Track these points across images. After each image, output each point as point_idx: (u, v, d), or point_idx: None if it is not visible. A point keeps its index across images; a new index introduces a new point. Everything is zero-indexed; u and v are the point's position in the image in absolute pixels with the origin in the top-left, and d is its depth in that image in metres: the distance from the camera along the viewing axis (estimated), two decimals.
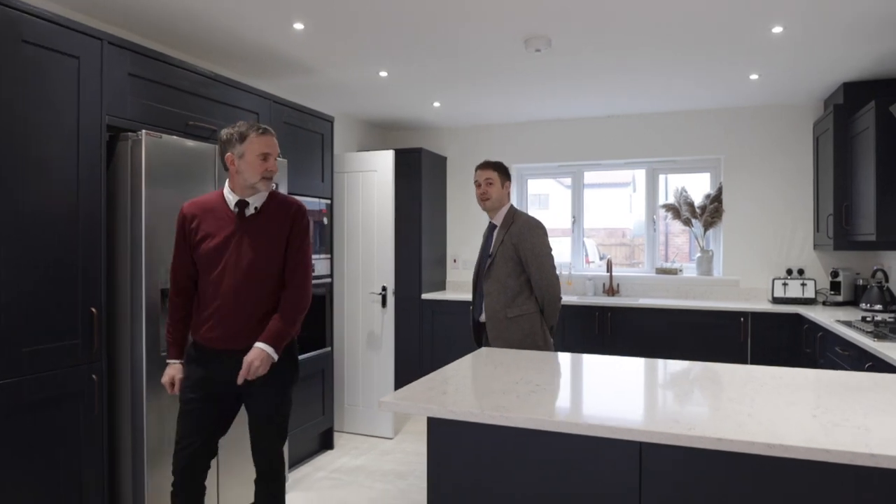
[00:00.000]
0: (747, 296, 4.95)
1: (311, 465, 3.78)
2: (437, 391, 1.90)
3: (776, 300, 4.64)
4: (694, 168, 5.31)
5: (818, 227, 4.64)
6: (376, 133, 5.89)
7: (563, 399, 1.82)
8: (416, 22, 3.10)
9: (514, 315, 2.92)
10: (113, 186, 2.52)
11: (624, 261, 5.85)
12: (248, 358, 2.13)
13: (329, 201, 4.01)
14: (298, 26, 3.15)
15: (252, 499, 2.91)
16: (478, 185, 3.05)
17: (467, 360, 2.40)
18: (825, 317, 3.75)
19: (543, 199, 6.67)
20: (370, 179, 4.32)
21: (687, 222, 5.19)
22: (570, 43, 3.41)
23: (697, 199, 5.17)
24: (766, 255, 4.95)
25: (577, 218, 5.59)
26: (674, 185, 5.38)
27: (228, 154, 2.19)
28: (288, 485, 3.45)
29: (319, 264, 3.87)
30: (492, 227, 3.10)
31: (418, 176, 5.28)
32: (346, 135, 5.32)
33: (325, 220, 3.96)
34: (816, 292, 4.62)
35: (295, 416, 3.65)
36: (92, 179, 2.40)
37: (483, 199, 3.03)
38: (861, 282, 4.43)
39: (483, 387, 1.96)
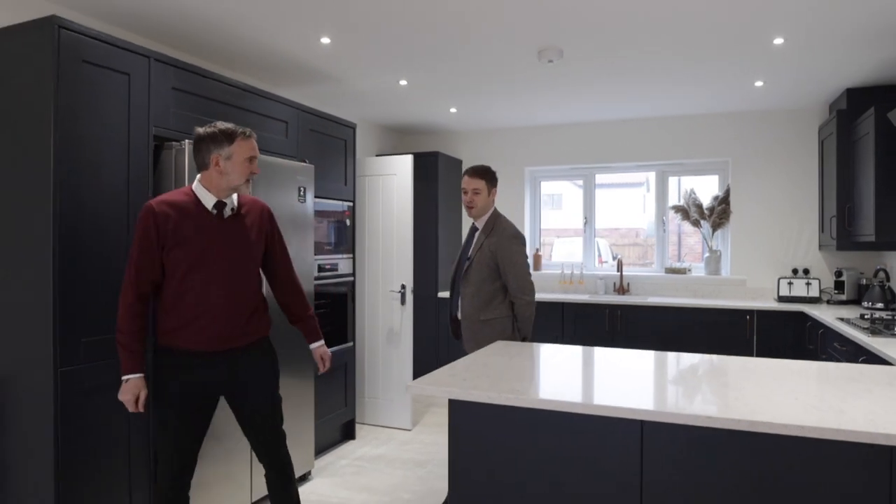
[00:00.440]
0: (754, 295, 5.10)
1: (334, 453, 3.99)
2: (458, 377, 2.10)
3: (782, 299, 4.79)
4: (702, 170, 5.47)
5: (823, 228, 4.78)
6: (394, 137, 6.10)
7: (574, 384, 2.01)
8: (436, 35, 3.30)
9: (487, 318, 3.00)
10: (159, 190, 2.74)
11: (637, 261, 6.00)
12: (325, 357, 2.51)
13: (351, 204, 4.22)
14: (325, 40, 3.36)
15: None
16: (465, 192, 3.10)
17: (483, 352, 2.60)
18: (827, 315, 3.91)
19: (557, 199, 6.83)
20: (390, 183, 4.53)
21: (696, 223, 5.35)
22: (581, 54, 3.60)
23: (706, 201, 5.33)
24: (772, 255, 5.09)
25: (588, 219, 5.77)
26: (683, 186, 5.54)
27: (214, 154, 2.17)
28: (314, 471, 3.66)
29: (342, 263, 4.09)
30: (474, 229, 3.16)
31: (435, 178, 5.48)
32: (366, 139, 5.53)
33: (348, 222, 4.17)
34: (821, 291, 4.77)
35: (319, 407, 3.87)
36: (140, 184, 2.62)
37: (468, 206, 3.09)
38: (864, 281, 4.57)
39: (499, 373, 2.15)
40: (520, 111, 5.14)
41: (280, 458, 2.35)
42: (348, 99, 4.70)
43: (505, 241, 3.00)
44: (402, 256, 4.48)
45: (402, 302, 4.49)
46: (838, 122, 4.31)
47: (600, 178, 5.79)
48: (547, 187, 6.11)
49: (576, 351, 2.62)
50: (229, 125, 2.21)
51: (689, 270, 5.34)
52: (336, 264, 4.02)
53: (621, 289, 5.39)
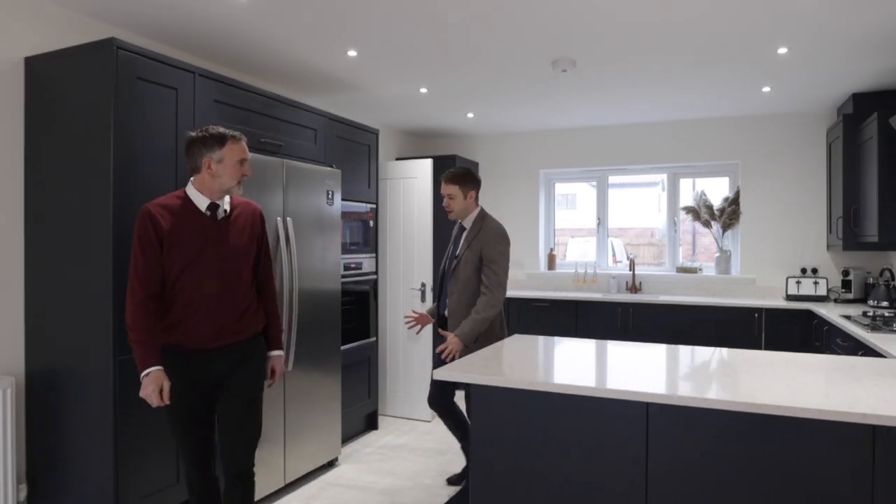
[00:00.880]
0: (763, 294, 5.25)
1: (359, 442, 4.22)
2: (478, 365, 2.31)
3: (790, 297, 4.94)
4: (713, 172, 5.63)
5: (831, 228, 4.92)
6: (413, 141, 6.32)
7: (586, 372, 2.21)
8: (455, 47, 3.50)
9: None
10: None
11: (652, 260, 6.14)
12: (277, 367, 2.47)
13: (374, 205, 4.44)
14: (352, 53, 3.58)
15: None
16: (442, 196, 3.21)
17: (500, 344, 2.80)
18: (832, 313, 4.06)
19: (571, 199, 7.00)
20: (411, 186, 4.75)
21: (706, 224, 5.51)
22: (594, 63, 3.79)
23: (716, 202, 5.49)
24: (781, 254, 5.24)
25: (601, 220, 5.95)
26: (695, 187, 5.70)
27: (206, 158, 2.23)
28: (340, 458, 3.89)
29: (366, 262, 4.31)
30: (461, 228, 3.26)
31: None
32: (387, 143, 5.76)
33: (371, 223, 4.40)
34: (829, 290, 4.91)
35: (344, 398, 4.09)
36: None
37: (447, 210, 3.20)
38: (871, 280, 4.71)
39: (517, 363, 2.35)
40: (534, 116, 5.33)
41: (244, 465, 2.30)
42: (370, 105, 4.92)
43: (491, 238, 3.09)
44: (421, 255, 4.70)
45: (422, 299, 4.70)
46: (844, 126, 4.45)
47: (616, 178, 5.97)
48: (561, 188, 6.30)
49: (588, 344, 2.81)
50: (220, 129, 2.27)
51: (701, 270, 5.50)
52: (360, 263, 4.24)
53: (633, 287, 5.56)
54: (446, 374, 2.21)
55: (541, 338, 2.98)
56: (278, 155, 3.43)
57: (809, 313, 4.54)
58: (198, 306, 2.23)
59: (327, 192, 3.64)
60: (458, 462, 3.83)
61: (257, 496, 3.13)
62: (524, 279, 6.09)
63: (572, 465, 2.07)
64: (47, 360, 2.70)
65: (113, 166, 2.52)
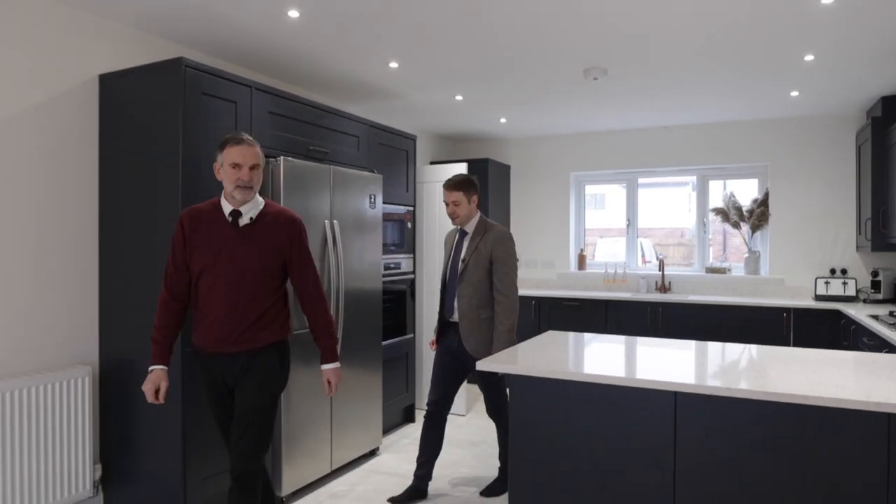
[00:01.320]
0: (792, 294, 5.33)
1: (397, 433, 4.43)
2: (517, 358, 2.49)
3: (819, 297, 5.02)
4: (742, 174, 5.71)
5: (860, 229, 4.98)
6: (447, 144, 6.53)
7: (617, 364, 2.37)
8: (491, 57, 3.69)
9: (486, 316, 3.14)
10: None
11: (681, 260, 6.23)
12: (332, 380, 2.44)
13: (412, 208, 4.65)
14: (394, 65, 3.79)
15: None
16: (446, 204, 3.22)
17: (534, 340, 2.98)
18: (861, 313, 4.14)
19: (600, 199, 7.10)
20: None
21: (735, 225, 5.60)
22: (625, 71, 3.94)
23: (745, 204, 5.57)
24: (810, 255, 5.31)
25: (631, 221, 6.07)
26: (725, 189, 5.79)
27: (216, 163, 2.29)
28: (381, 448, 4.10)
29: (404, 262, 4.52)
30: (462, 234, 3.27)
31: (485, 183, 5.87)
32: (421, 146, 5.97)
33: (409, 224, 4.61)
34: (858, 290, 4.98)
35: (383, 391, 4.30)
36: None
37: (453, 217, 3.22)
38: None
39: (552, 356, 2.53)
40: (565, 120, 5.49)
41: (241, 469, 2.25)
42: (407, 111, 5.13)
43: (500, 241, 3.15)
44: None
45: None
46: (873, 129, 4.52)
47: (645, 178, 6.09)
48: (590, 188, 6.44)
49: (619, 339, 2.98)
50: (231, 134, 2.30)
51: (730, 270, 5.59)
52: (399, 263, 4.45)
53: (663, 287, 5.68)
54: (488, 365, 2.40)
55: (573, 333, 3.15)
56: (325, 161, 3.66)
57: (838, 313, 4.62)
58: (209, 310, 2.27)
59: (370, 196, 3.85)
60: (491, 453, 4.01)
61: (307, 481, 3.35)
62: (555, 279, 6.24)
63: (604, 453, 2.24)
64: (119, 351, 2.95)
65: (181, 173, 2.76)
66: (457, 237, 3.30)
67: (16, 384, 2.61)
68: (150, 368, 2.28)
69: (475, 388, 5.76)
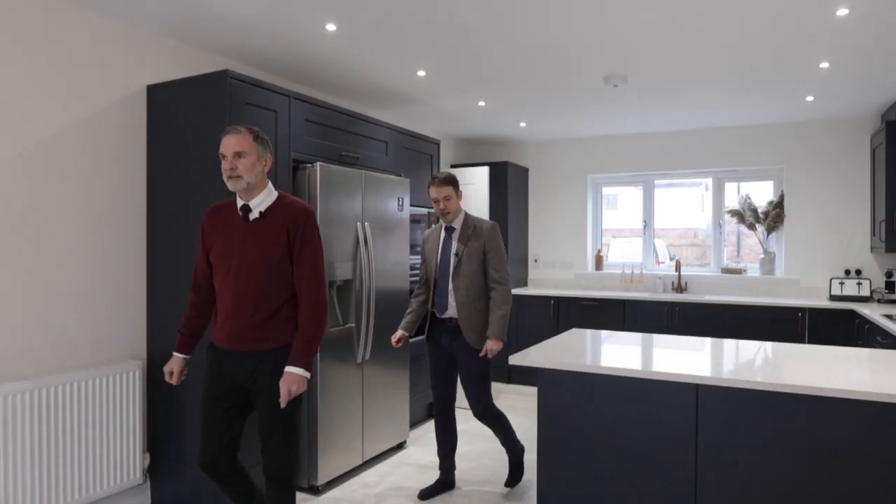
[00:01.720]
0: (807, 294, 5.43)
1: (423, 428, 4.59)
2: (546, 353, 2.63)
3: (833, 298, 5.12)
4: (758, 176, 5.82)
5: (874, 231, 5.08)
6: (467, 147, 6.68)
7: (641, 358, 2.51)
8: (514, 67, 3.84)
9: (482, 307, 3.22)
10: None
11: (694, 261, 6.35)
12: (283, 386, 2.17)
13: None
14: (421, 73, 3.95)
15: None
16: (436, 201, 3.23)
17: (559, 337, 3.12)
18: (875, 312, 4.25)
19: (612, 199, 7.21)
20: (468, 191, 5.10)
21: (751, 227, 5.71)
22: (644, 78, 4.07)
23: (761, 205, 5.68)
24: (825, 256, 5.41)
25: (647, 222, 6.20)
26: (740, 191, 5.90)
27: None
28: (408, 441, 4.26)
29: None
30: (449, 230, 3.31)
31: (504, 185, 6.02)
32: (443, 149, 6.12)
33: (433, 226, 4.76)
34: (872, 291, 5.08)
35: (410, 388, 4.45)
36: None
37: (444, 213, 3.24)
38: None
39: (577, 351, 2.68)
40: (584, 124, 5.63)
41: (270, 468, 2.28)
42: (430, 116, 5.29)
43: (493, 233, 3.25)
44: None
45: None
46: (887, 132, 4.62)
47: (660, 180, 6.20)
48: (605, 189, 6.56)
49: (640, 337, 3.11)
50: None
51: (745, 271, 5.70)
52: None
53: (679, 287, 5.80)
54: (521, 359, 2.55)
55: (597, 331, 3.29)
56: (356, 166, 3.82)
57: (852, 313, 4.72)
58: (221, 306, 2.29)
59: (398, 199, 4.01)
60: None
61: (341, 471, 3.52)
62: (572, 279, 6.38)
63: (628, 444, 2.38)
64: (165, 346, 3.13)
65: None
66: (443, 235, 3.32)
67: (73, 377, 2.79)
68: (172, 353, 2.43)
69: (497, 385, 5.90)
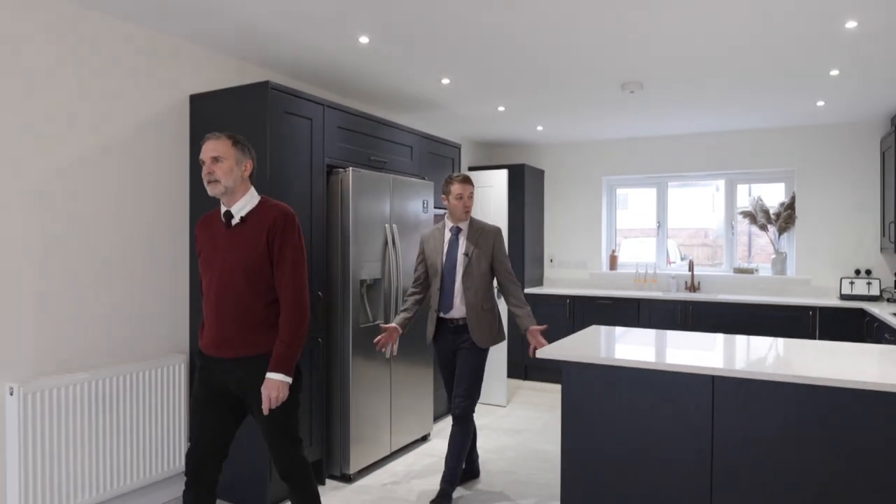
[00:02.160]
0: (818, 293, 5.56)
1: (444, 422, 4.76)
2: (569, 347, 2.80)
3: (844, 297, 5.25)
4: (769, 178, 5.96)
5: (884, 231, 5.21)
6: (485, 150, 6.85)
7: (660, 352, 2.68)
8: (535, 75, 4.00)
9: (488, 307, 3.31)
10: (331, 205, 3.56)
11: (706, 261, 6.49)
12: (264, 392, 2.16)
13: None
14: (445, 81, 4.13)
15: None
16: (461, 197, 3.28)
17: (580, 333, 3.28)
18: (884, 311, 4.38)
19: (623, 200, 7.37)
20: (487, 194, 5.27)
21: (763, 227, 5.84)
22: (660, 84, 4.22)
23: (773, 206, 5.81)
24: (835, 256, 5.54)
25: (661, 223, 6.34)
26: (752, 192, 6.03)
27: None
28: (431, 434, 4.43)
29: None
30: (455, 231, 3.34)
31: (521, 187, 6.19)
32: (462, 152, 6.29)
33: None
34: (882, 290, 5.20)
35: (433, 383, 4.63)
36: (318, 200, 3.45)
37: (466, 211, 3.30)
38: None
39: (598, 345, 2.84)
40: (599, 128, 5.78)
41: (280, 467, 2.32)
42: (451, 120, 5.47)
43: (499, 235, 3.34)
44: None
45: (498, 296, 5.20)
46: None
47: (674, 182, 6.34)
48: (617, 190, 6.71)
49: (657, 332, 3.27)
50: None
51: (757, 271, 5.84)
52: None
53: (692, 287, 5.94)
54: (548, 353, 2.72)
55: (615, 328, 3.45)
56: (384, 170, 4.00)
57: (861, 311, 4.85)
58: (206, 311, 2.30)
59: (423, 201, 4.19)
60: (533, 439, 4.33)
61: (370, 461, 3.70)
62: (587, 278, 6.53)
63: (648, 432, 2.54)
64: None
65: (269, 184, 3.12)
66: (448, 235, 3.35)
67: (125, 369, 2.99)
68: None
69: (514, 381, 6.07)
